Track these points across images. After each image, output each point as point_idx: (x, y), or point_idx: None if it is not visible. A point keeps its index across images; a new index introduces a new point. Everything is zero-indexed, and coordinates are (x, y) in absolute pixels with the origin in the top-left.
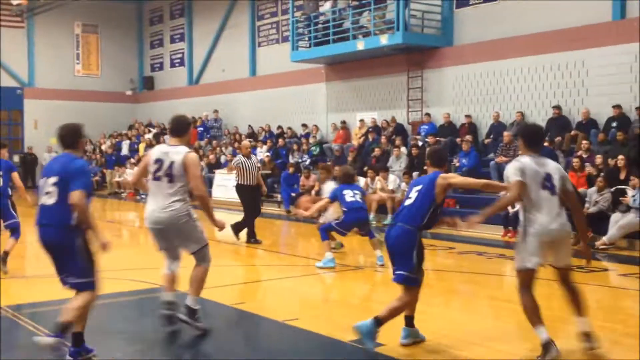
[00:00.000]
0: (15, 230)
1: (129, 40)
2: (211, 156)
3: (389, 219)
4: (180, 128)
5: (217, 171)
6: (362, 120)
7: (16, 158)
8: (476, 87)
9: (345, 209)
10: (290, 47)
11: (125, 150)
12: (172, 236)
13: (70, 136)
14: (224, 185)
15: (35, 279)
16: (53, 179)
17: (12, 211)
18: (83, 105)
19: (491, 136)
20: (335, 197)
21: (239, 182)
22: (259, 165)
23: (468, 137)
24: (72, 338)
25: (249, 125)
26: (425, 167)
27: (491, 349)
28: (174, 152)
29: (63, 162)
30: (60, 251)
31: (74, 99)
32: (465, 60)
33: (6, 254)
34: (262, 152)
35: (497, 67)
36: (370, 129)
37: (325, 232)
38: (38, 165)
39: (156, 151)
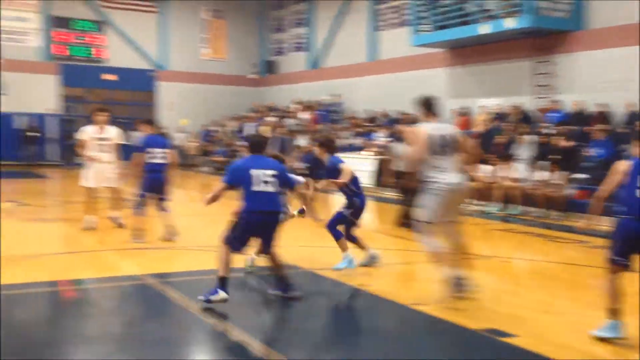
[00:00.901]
0: (166, 206)
1: (253, 25)
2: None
3: (516, 209)
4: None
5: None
6: (484, 107)
7: None
8: (609, 74)
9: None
10: (411, 31)
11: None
12: (455, 206)
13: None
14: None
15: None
16: (271, 172)
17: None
18: (208, 88)
19: (626, 125)
20: None
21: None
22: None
23: (602, 126)
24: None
25: (368, 110)
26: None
27: None
28: (445, 128)
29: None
30: (273, 231)
31: (202, 81)
32: (597, 45)
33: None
34: (381, 137)
35: (633, 52)
36: (494, 116)
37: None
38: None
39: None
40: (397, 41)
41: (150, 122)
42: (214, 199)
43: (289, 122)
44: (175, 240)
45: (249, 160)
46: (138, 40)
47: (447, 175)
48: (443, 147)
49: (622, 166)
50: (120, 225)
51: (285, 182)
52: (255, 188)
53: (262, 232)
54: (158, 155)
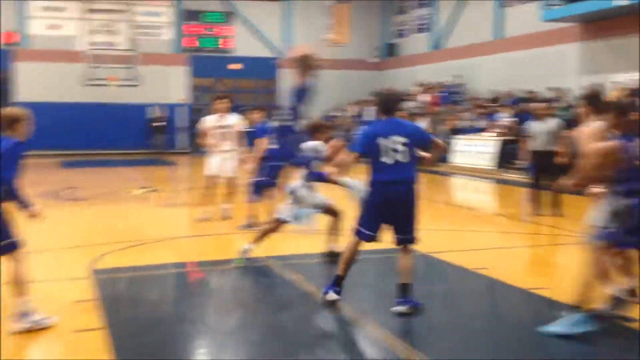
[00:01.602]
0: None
1: (376, 9)
2: (453, 121)
3: None
4: None
5: (457, 136)
6: (617, 82)
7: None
8: None
9: None
10: (540, 6)
11: (367, 117)
12: None
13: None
14: (466, 152)
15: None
16: (402, 139)
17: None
18: (331, 73)
19: None
20: None
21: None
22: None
23: None
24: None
25: (492, 90)
26: None
27: None
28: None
29: (408, 125)
30: (409, 208)
31: (324, 67)
32: None
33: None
34: (505, 117)
35: None
36: (629, 92)
37: None
38: None
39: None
40: (525, 17)
41: (263, 109)
42: (340, 166)
43: (409, 104)
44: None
45: (377, 126)
46: (263, 29)
47: None
48: None
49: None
50: (225, 218)
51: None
52: (384, 159)
53: (395, 212)
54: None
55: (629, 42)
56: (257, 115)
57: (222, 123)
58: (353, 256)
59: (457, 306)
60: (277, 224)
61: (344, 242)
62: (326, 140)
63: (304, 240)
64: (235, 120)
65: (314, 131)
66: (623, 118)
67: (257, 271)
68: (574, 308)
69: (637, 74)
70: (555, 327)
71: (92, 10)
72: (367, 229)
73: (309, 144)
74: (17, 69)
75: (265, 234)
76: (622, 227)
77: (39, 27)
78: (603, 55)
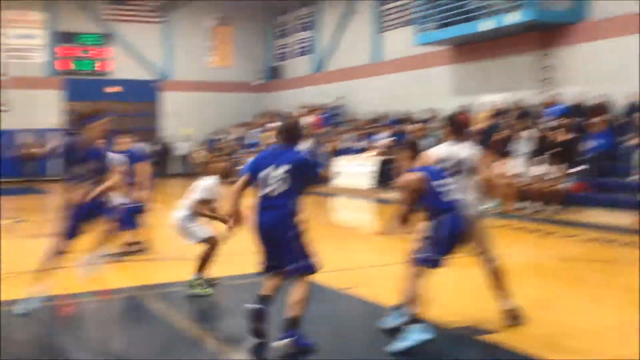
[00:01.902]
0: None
1: (258, 32)
2: (334, 143)
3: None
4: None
5: (338, 157)
6: (484, 103)
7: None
8: (610, 64)
9: None
10: (414, 30)
11: (250, 139)
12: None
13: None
14: (347, 172)
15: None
16: (285, 167)
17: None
18: (214, 95)
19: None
20: None
21: None
22: None
23: (601, 117)
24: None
25: (372, 112)
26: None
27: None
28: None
29: (295, 154)
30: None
31: (206, 90)
32: (599, 35)
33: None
34: (384, 137)
35: (633, 41)
36: (495, 112)
37: None
38: (169, 155)
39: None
40: (401, 41)
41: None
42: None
43: None
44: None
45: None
46: (143, 51)
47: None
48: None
49: None
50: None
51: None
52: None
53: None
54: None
55: (494, 64)
56: (130, 140)
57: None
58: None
59: (313, 327)
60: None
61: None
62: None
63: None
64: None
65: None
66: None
67: (124, 303)
68: (412, 319)
69: (504, 95)
70: (400, 344)
71: None
72: (262, 261)
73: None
74: None
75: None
76: (435, 247)
77: None
78: (473, 77)
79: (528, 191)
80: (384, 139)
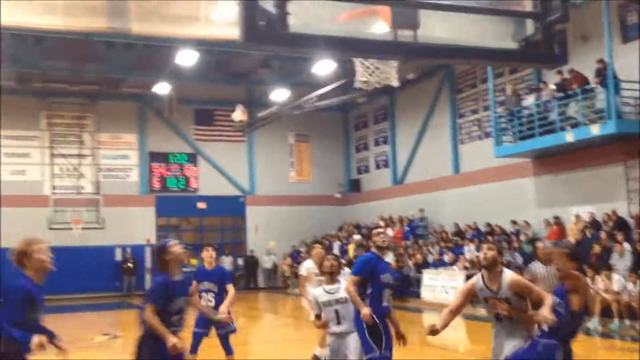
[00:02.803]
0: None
1: (337, 146)
2: (418, 255)
3: (615, 323)
4: None
5: (424, 271)
6: (577, 215)
7: (240, 261)
8: None
9: None
10: (494, 143)
11: (335, 251)
12: None
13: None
14: (432, 285)
15: None
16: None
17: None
18: (296, 209)
19: None
20: None
21: None
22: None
23: None
24: None
25: (455, 224)
26: None
27: None
28: None
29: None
30: None
31: (288, 204)
32: None
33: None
34: (470, 251)
35: None
36: (588, 224)
37: None
38: (259, 267)
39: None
40: (480, 153)
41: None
42: None
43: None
44: None
45: None
46: (227, 168)
47: None
48: None
49: None
50: None
51: None
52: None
53: None
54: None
55: (580, 175)
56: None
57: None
58: None
59: None
60: None
61: None
62: None
63: None
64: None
65: None
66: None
67: None
68: None
69: (591, 206)
70: None
71: (57, 155)
72: None
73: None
74: None
75: None
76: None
77: (6, 172)
78: (558, 188)
79: (630, 308)
80: (469, 252)
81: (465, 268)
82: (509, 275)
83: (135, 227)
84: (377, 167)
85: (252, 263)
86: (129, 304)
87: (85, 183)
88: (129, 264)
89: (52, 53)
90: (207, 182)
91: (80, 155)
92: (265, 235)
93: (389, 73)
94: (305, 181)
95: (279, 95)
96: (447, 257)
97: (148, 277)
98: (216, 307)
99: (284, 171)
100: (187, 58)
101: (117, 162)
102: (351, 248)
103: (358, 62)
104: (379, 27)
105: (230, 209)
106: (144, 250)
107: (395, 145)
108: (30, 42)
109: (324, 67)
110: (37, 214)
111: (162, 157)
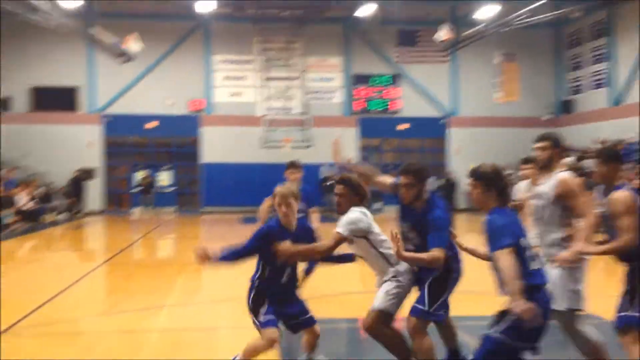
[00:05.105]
0: None
1: (547, 65)
2: (635, 181)
3: None
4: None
5: None
6: None
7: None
8: None
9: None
10: None
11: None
12: None
13: None
14: None
15: None
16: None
17: None
18: (500, 131)
19: None
20: None
21: None
22: None
23: None
24: None
25: None
26: None
27: None
28: None
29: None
30: None
31: (492, 125)
32: None
33: None
34: None
35: None
36: None
37: None
38: (455, 190)
39: None
40: None
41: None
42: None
43: (587, 162)
44: None
45: None
46: (430, 89)
47: None
48: None
49: None
50: None
51: None
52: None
53: None
54: None
55: None
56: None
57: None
58: None
59: None
60: None
61: None
62: None
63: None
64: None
65: None
66: None
67: None
68: None
69: None
70: None
71: (269, 79)
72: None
73: None
74: (203, 133)
75: None
76: None
77: (222, 95)
78: None
79: None
80: None
81: None
82: None
83: (341, 147)
84: (592, 87)
85: (450, 185)
86: (332, 218)
87: (294, 104)
88: (332, 181)
89: None
90: (409, 103)
91: (289, 78)
92: (466, 157)
93: None
94: (511, 102)
95: (487, 12)
96: None
97: None
98: None
99: (488, 92)
100: None
101: (322, 84)
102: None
103: None
104: None
105: (431, 131)
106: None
107: (614, 63)
108: None
109: None
110: (251, 133)
111: (365, 79)
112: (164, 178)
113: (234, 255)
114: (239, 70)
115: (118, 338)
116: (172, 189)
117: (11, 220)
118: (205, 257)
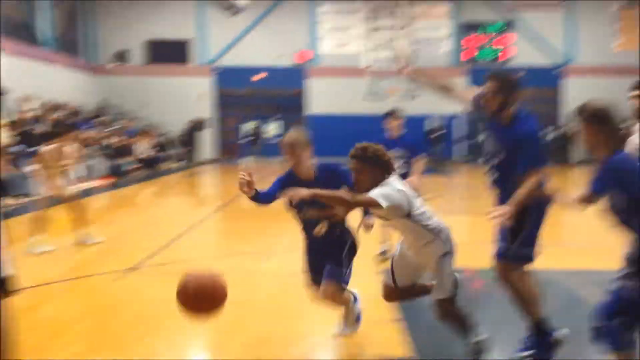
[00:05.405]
0: None
1: None
2: None
3: None
4: None
5: None
6: None
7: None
8: None
9: None
10: None
11: None
12: None
13: None
14: None
15: None
16: None
17: None
18: (619, 82)
19: None
20: None
21: None
22: None
23: None
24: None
25: None
26: None
27: None
28: None
29: None
30: None
31: (610, 75)
32: None
33: None
34: None
35: None
36: None
37: None
38: (570, 142)
39: None
40: None
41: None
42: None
43: None
44: None
45: None
46: (545, 36)
47: None
48: None
49: None
50: None
51: None
52: None
53: None
54: None
55: None
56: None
57: None
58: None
59: None
60: None
61: None
62: None
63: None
64: None
65: None
66: None
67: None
68: None
69: None
70: None
71: (375, 29)
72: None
73: None
74: (309, 85)
75: None
76: None
77: (327, 46)
78: None
79: None
80: None
81: None
82: None
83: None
84: None
85: (563, 136)
86: (439, 170)
87: (399, 55)
88: (439, 133)
89: None
90: (521, 52)
91: (395, 28)
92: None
93: None
94: (631, 51)
95: None
96: None
97: (456, 146)
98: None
99: (606, 40)
100: None
101: (429, 33)
102: None
103: None
104: None
105: (544, 80)
106: (453, 121)
107: None
108: None
109: None
110: (356, 85)
111: (474, 27)
112: (272, 129)
113: (262, 197)
114: (345, 20)
115: (232, 279)
116: (280, 139)
117: (131, 168)
118: (247, 191)
